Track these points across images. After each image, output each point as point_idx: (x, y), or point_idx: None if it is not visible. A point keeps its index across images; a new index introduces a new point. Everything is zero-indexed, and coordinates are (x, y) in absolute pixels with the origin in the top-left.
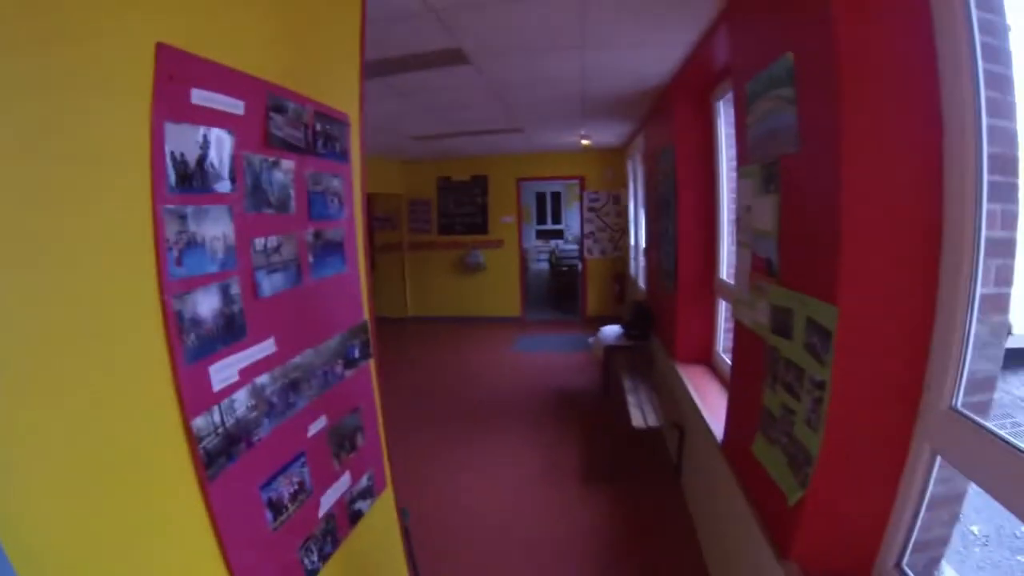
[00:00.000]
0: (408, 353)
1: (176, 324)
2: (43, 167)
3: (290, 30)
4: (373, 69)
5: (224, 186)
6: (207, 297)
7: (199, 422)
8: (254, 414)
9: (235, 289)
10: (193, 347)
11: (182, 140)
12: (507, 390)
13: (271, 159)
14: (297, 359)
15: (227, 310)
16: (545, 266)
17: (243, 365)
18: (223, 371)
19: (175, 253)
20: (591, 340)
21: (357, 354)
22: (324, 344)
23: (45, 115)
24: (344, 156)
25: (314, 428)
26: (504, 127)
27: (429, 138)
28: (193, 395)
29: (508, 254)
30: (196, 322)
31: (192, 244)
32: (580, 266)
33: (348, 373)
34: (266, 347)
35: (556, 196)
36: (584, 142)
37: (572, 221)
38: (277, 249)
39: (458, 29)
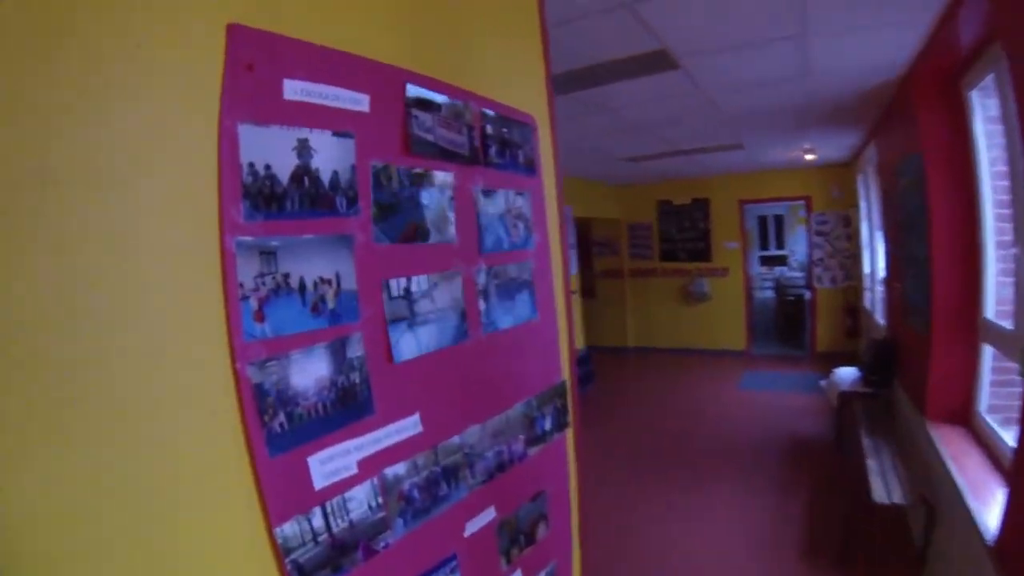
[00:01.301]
0: (626, 386)
1: (254, 402)
2: (49, 192)
3: (441, 3)
4: (568, 83)
5: (339, 208)
6: (307, 363)
7: (287, 530)
8: (380, 515)
9: (356, 350)
10: (281, 432)
11: (267, 147)
12: (729, 432)
13: (416, 170)
14: (455, 440)
15: (342, 380)
16: (769, 295)
17: (366, 453)
18: (331, 462)
19: (253, 304)
20: (823, 383)
21: (548, 425)
22: (499, 417)
23: (53, 124)
24: (530, 168)
25: (475, 524)
26: (722, 143)
27: (641, 159)
28: (280, 495)
29: (733, 283)
30: (286, 399)
31: (281, 290)
32: (808, 296)
33: (533, 451)
34: (405, 427)
35: (779, 219)
36: (808, 156)
37: (796, 246)
38: (428, 293)
39: (659, 25)
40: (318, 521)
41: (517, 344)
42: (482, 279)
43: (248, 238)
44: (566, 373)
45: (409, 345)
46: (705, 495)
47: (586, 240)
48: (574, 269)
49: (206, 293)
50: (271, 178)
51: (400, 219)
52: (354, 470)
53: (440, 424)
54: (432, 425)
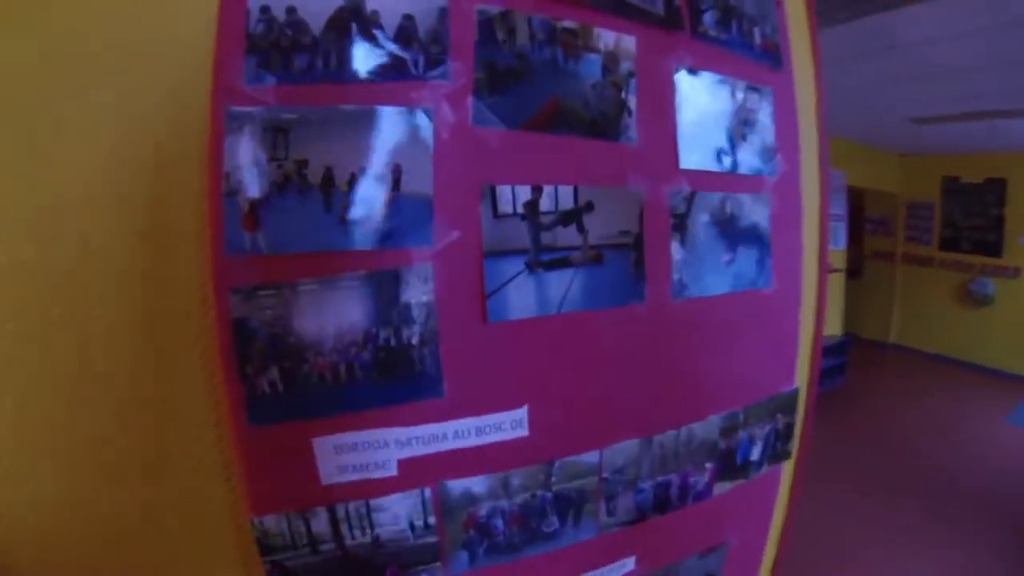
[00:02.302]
0: (875, 388)
1: (232, 345)
2: None
3: None
4: (840, 7)
5: (410, 69)
6: (325, 301)
7: (269, 524)
8: (429, 540)
9: (421, 293)
10: (272, 395)
11: None
12: (988, 475)
13: (564, 23)
14: (590, 457)
15: (387, 335)
16: None
17: (417, 452)
18: (353, 453)
19: (242, 204)
20: None
21: (757, 454)
22: (677, 433)
23: None
24: (772, 56)
25: None
26: None
27: (930, 121)
28: (262, 478)
29: None
30: (285, 348)
31: (291, 186)
32: None
33: (722, 488)
34: (497, 425)
35: None
36: None
37: None
38: (572, 217)
39: None
40: (321, 525)
41: (728, 322)
42: (679, 206)
43: (246, 108)
44: (803, 377)
45: (523, 297)
46: (938, 548)
47: (857, 214)
48: (841, 244)
49: (189, 184)
50: (295, 24)
51: (528, 93)
52: (391, 471)
53: (564, 429)
54: (548, 429)
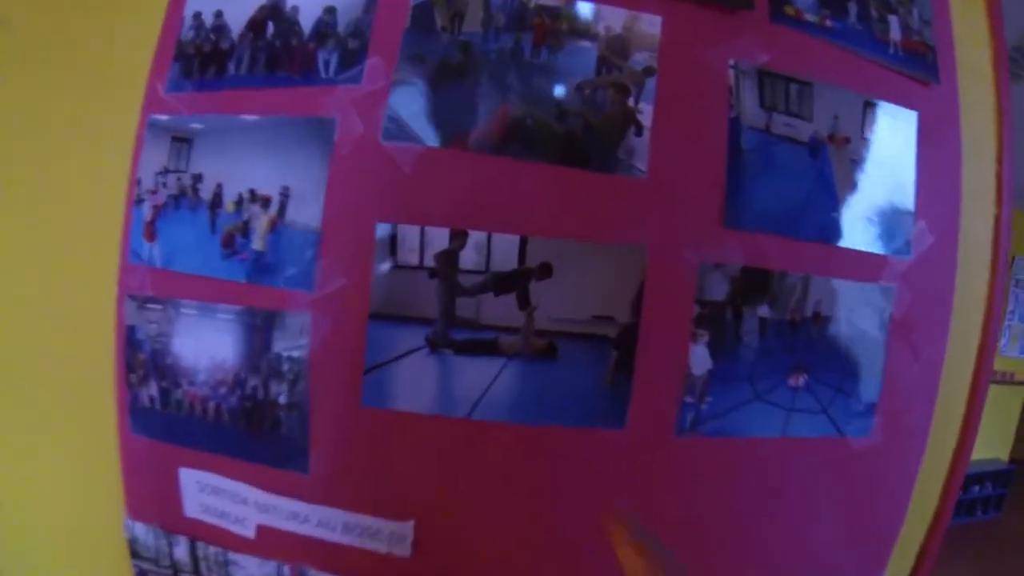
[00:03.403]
0: None
1: (124, 349)
2: None
3: None
4: None
5: (319, 70)
6: (202, 328)
7: (139, 532)
8: None
9: (293, 345)
10: (150, 409)
11: None
12: None
13: (536, 2)
14: None
15: (255, 385)
16: None
17: (276, 523)
18: (213, 495)
19: (146, 212)
20: None
21: None
22: None
23: None
24: (919, 61)
25: None
26: None
27: None
28: (138, 485)
29: None
30: (163, 367)
31: (185, 200)
32: None
33: None
34: (370, 530)
35: None
36: None
37: None
38: (513, 280)
39: None
40: (182, 554)
41: (775, 487)
42: (717, 288)
43: (163, 116)
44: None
45: (416, 384)
46: None
47: None
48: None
49: (113, 186)
50: (219, 29)
51: (470, 98)
52: (249, 532)
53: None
54: (444, 566)
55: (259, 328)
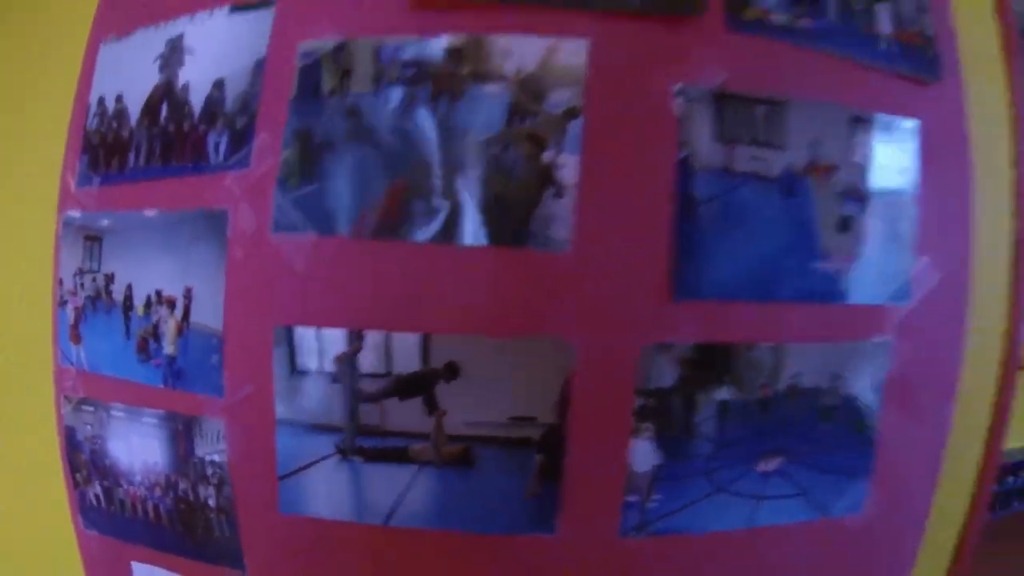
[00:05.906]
0: None
1: (66, 449)
2: None
3: None
4: None
5: (209, 155)
6: (132, 432)
7: None
8: None
9: (213, 450)
10: (97, 508)
11: (125, 66)
12: None
13: (439, 44)
14: None
15: (185, 488)
16: None
17: None
18: None
19: (69, 315)
20: None
21: None
22: None
23: None
24: (917, 58)
25: None
26: None
27: None
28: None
29: None
30: (103, 468)
31: (101, 301)
32: None
33: None
34: None
35: None
36: None
37: None
38: (418, 384)
39: None
40: None
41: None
42: (663, 375)
43: (76, 213)
44: None
45: (331, 491)
46: None
47: None
48: None
49: (44, 284)
50: (120, 115)
51: (360, 174)
52: None
53: None
54: None
55: (181, 433)
